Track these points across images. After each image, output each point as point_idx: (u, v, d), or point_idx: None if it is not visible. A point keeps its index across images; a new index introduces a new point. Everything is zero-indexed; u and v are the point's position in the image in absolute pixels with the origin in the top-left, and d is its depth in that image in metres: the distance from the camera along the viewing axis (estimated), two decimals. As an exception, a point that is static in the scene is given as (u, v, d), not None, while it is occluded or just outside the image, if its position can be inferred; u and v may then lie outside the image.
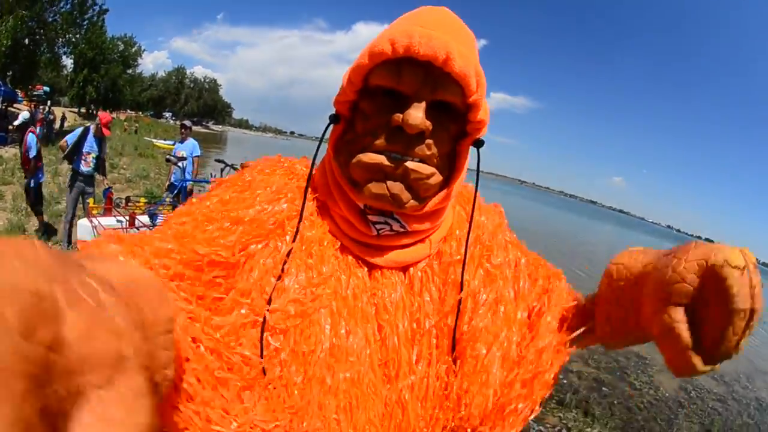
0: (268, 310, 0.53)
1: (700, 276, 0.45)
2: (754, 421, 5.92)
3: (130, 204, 5.22)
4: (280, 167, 0.67)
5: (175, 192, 5.80)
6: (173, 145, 5.97)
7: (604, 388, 5.40)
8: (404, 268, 0.62)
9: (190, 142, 6.22)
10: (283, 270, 0.55)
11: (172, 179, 6.05)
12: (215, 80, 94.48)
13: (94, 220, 4.54)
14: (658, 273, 0.49)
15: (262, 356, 0.51)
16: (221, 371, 0.48)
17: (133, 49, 49.69)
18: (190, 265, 0.52)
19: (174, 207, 5.44)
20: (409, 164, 0.53)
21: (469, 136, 0.58)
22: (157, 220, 4.94)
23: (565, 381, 5.29)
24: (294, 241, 0.57)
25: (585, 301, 0.67)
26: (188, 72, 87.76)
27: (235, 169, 5.63)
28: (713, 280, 0.44)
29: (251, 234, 0.57)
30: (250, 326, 0.52)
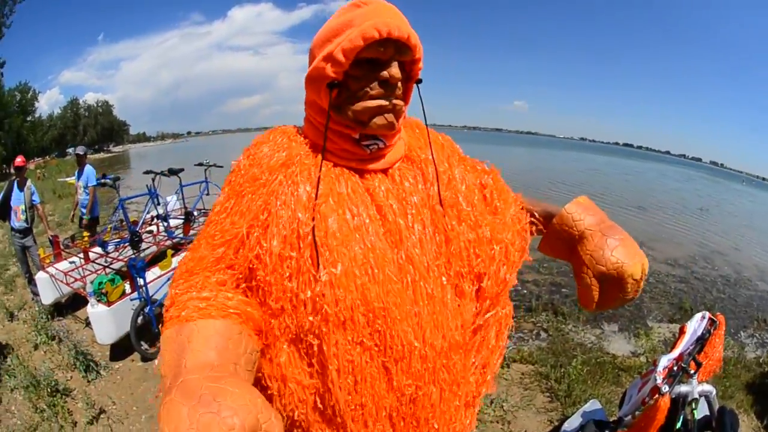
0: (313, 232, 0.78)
1: (614, 269, 0.84)
2: (726, 295, 6.41)
3: (77, 242, 5.09)
4: (274, 137, 0.94)
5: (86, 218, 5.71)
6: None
7: (563, 290, 5.81)
8: (384, 170, 0.91)
9: (86, 170, 5.81)
10: (316, 197, 0.81)
11: (81, 214, 5.82)
12: (107, 102, 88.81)
13: (50, 269, 4.39)
14: (594, 247, 0.87)
15: (318, 264, 0.76)
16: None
17: (29, 95, 46.07)
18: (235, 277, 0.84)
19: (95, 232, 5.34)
20: (395, 101, 0.84)
21: (412, 80, 0.88)
22: (109, 248, 4.86)
23: (525, 291, 5.66)
24: (320, 170, 0.84)
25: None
26: (81, 101, 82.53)
27: (165, 175, 5.59)
28: (618, 274, 0.84)
29: (261, 195, 0.84)
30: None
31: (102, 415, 3.05)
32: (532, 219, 1.00)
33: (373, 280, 0.77)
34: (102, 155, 63.72)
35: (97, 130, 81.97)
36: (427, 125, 1.01)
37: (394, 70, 0.80)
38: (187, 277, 0.82)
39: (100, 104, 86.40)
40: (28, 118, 46.27)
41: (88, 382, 3.43)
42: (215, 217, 0.86)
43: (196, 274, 0.82)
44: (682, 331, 1.97)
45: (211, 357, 0.65)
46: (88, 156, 5.96)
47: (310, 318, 0.76)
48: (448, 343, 0.84)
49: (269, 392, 0.80)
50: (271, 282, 0.79)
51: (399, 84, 0.83)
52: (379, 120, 0.83)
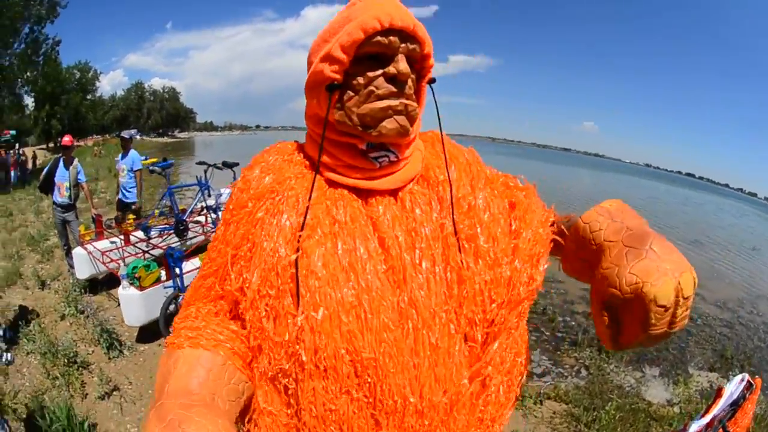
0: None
1: (632, 293, 0.61)
2: (765, 344, 6.07)
3: (121, 224, 5.18)
4: (267, 157, 0.85)
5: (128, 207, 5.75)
6: (146, 159, 5.76)
7: (613, 325, 5.57)
8: (393, 193, 0.79)
9: (131, 154, 5.78)
10: (301, 227, 0.72)
11: (120, 196, 5.86)
12: (174, 88, 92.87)
13: (88, 246, 4.51)
14: (609, 264, 0.66)
15: (298, 304, 0.68)
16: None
17: (90, 75, 48.56)
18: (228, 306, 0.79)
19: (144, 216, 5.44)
20: (407, 102, 0.73)
21: (423, 78, 0.79)
22: (152, 233, 4.94)
23: (573, 323, 5.41)
24: (309, 199, 0.74)
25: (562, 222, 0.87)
26: (146, 85, 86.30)
27: (218, 168, 5.62)
28: (640, 301, 0.60)
29: (245, 225, 0.77)
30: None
31: (115, 393, 3.09)
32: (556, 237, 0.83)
33: (364, 326, 0.67)
34: (166, 140, 66.55)
35: (162, 114, 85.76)
36: (442, 134, 0.88)
37: (402, 64, 0.71)
38: (186, 306, 0.83)
39: (166, 90, 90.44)
40: (88, 97, 48.66)
41: (109, 359, 3.50)
42: (213, 244, 0.82)
43: (192, 303, 0.82)
44: (719, 394, 1.83)
45: (191, 385, 0.67)
46: (145, 138, 6.09)
47: (285, 365, 0.69)
48: (449, 398, 0.71)
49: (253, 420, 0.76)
50: (248, 319, 0.74)
51: (410, 83, 0.73)
52: (388, 123, 0.72)
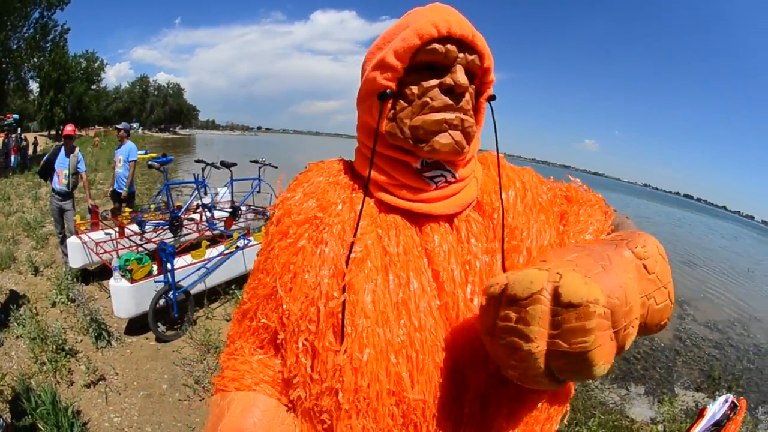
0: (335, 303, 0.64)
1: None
2: (755, 366, 6.05)
3: (117, 216, 5.22)
4: (310, 177, 0.79)
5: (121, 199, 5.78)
6: (146, 154, 5.81)
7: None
8: (449, 219, 0.73)
9: (127, 145, 5.85)
10: (347, 262, 0.65)
11: (114, 186, 5.90)
12: (178, 85, 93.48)
13: (83, 236, 4.54)
14: None
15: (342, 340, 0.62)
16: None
17: (96, 65, 48.76)
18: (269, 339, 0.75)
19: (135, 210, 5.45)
20: (463, 117, 0.68)
21: (482, 94, 0.73)
22: (146, 227, 4.98)
23: None
24: (355, 234, 0.67)
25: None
26: (151, 80, 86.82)
27: (216, 167, 5.66)
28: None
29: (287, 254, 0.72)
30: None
31: (101, 382, 3.09)
32: None
33: (415, 367, 0.62)
34: (168, 135, 66.56)
35: (165, 110, 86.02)
36: (498, 155, 0.81)
37: (460, 75, 0.66)
38: (231, 343, 0.80)
39: (171, 85, 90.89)
40: (93, 87, 48.81)
41: (97, 348, 3.50)
42: (253, 274, 0.78)
43: (236, 338, 0.79)
44: (701, 414, 1.82)
45: (245, 425, 0.68)
46: (130, 132, 6.06)
47: (321, 401, 0.64)
48: None
49: None
50: (287, 350, 0.69)
51: (467, 97, 0.68)
52: (442, 138, 0.66)
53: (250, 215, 6.06)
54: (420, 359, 0.62)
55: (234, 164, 5.87)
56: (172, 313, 3.78)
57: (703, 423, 1.78)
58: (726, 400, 1.81)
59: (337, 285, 0.64)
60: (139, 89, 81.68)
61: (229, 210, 5.75)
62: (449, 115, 0.66)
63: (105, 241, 4.51)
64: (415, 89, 0.67)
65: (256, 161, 6.38)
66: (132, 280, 3.56)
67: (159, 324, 3.72)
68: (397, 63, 0.67)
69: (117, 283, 3.54)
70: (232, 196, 6.12)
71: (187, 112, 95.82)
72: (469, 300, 0.66)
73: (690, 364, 5.52)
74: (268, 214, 5.57)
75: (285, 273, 0.70)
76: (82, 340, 3.60)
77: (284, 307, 0.69)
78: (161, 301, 3.67)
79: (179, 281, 3.80)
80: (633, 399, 4.29)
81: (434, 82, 0.67)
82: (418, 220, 0.72)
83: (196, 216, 5.78)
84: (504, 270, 0.69)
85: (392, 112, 0.70)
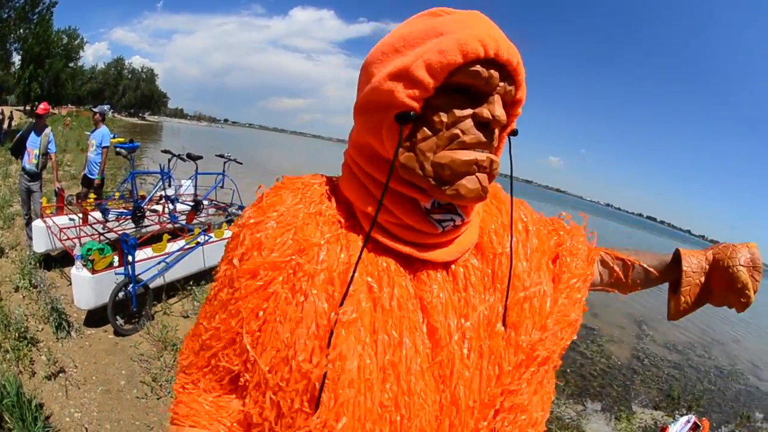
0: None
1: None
2: (716, 387, 6.19)
3: (82, 202, 5.12)
4: (285, 199, 0.65)
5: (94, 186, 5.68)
6: (114, 138, 5.66)
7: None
8: (446, 265, 0.64)
9: (101, 130, 5.64)
10: (331, 334, 0.55)
11: (86, 171, 5.75)
12: (152, 70, 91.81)
13: (48, 220, 4.42)
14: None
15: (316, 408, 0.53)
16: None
17: (76, 42, 47.68)
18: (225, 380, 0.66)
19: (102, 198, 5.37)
20: (492, 158, 0.58)
21: (506, 128, 0.63)
22: (109, 216, 4.89)
23: None
24: (345, 295, 0.56)
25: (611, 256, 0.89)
26: (127, 63, 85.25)
27: (183, 159, 5.60)
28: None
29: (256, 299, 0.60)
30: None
31: (61, 375, 3.01)
32: (618, 272, 0.88)
33: (399, 431, 0.55)
34: (136, 120, 65.43)
35: (136, 94, 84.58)
36: (512, 199, 0.71)
37: (498, 108, 0.55)
38: (186, 371, 0.69)
39: (145, 70, 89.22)
40: (71, 64, 47.71)
41: (57, 339, 3.40)
42: (211, 304, 0.66)
43: (192, 371, 0.68)
44: None
45: None
46: (106, 117, 5.94)
47: None
48: None
49: None
50: (250, 395, 0.59)
51: (497, 132, 0.58)
52: (469, 182, 0.56)
53: (211, 210, 6.00)
54: (404, 423, 0.55)
55: (200, 157, 5.79)
56: (131, 307, 3.69)
57: (664, 444, 1.82)
58: (688, 421, 1.85)
59: (318, 349, 0.54)
60: (114, 71, 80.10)
61: (192, 204, 5.67)
62: (481, 156, 0.56)
63: (69, 227, 4.40)
64: (444, 117, 0.55)
65: (221, 156, 6.30)
66: (93, 271, 3.45)
67: (118, 317, 3.63)
68: (430, 80, 0.54)
69: (79, 273, 3.43)
70: (196, 190, 6.05)
71: (158, 98, 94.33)
72: (466, 357, 0.59)
73: (648, 383, 5.63)
74: (229, 210, 5.55)
75: (252, 318, 0.59)
76: (42, 329, 3.49)
77: (251, 355, 0.59)
78: (120, 294, 3.57)
79: (139, 274, 3.70)
80: (589, 415, 4.36)
81: (468, 111, 0.56)
82: (414, 264, 0.63)
83: (159, 207, 5.67)
84: (504, 324, 0.62)
85: (411, 139, 0.57)
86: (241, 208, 5.65)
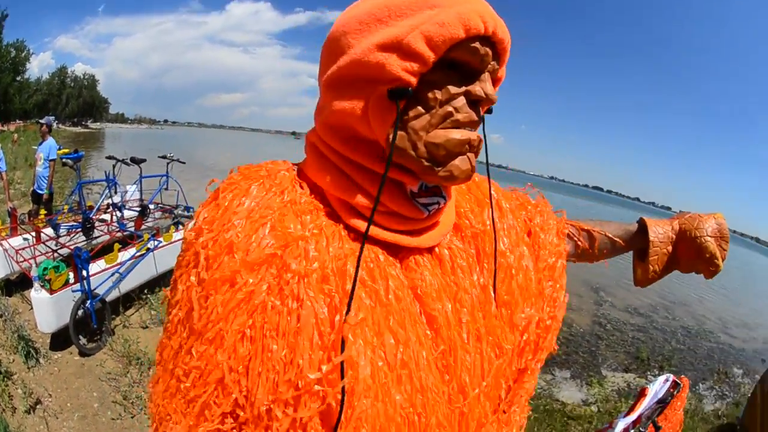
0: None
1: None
2: (685, 346, 6.39)
3: (33, 219, 4.94)
4: (251, 190, 0.56)
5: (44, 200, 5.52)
6: (60, 149, 5.49)
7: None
8: (430, 249, 0.61)
9: (48, 142, 5.54)
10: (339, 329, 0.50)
11: (35, 187, 5.60)
12: (93, 76, 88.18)
13: (3, 243, 4.21)
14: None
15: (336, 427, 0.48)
16: None
17: (23, 54, 45.38)
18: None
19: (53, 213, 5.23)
20: (480, 136, 0.56)
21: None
22: (60, 230, 4.74)
23: None
24: (351, 299, 0.49)
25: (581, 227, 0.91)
26: (69, 71, 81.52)
27: (127, 164, 5.49)
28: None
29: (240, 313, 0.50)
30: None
31: (38, 406, 2.93)
32: (579, 240, 0.89)
33: (417, 431, 0.52)
34: (80, 129, 63.06)
35: (79, 102, 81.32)
36: (489, 178, 0.69)
37: (490, 87, 0.53)
38: (160, 422, 0.55)
39: (86, 77, 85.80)
40: (17, 78, 45.53)
41: (28, 368, 3.29)
42: (173, 335, 0.54)
43: (169, 418, 0.54)
44: (642, 394, 1.93)
45: None
46: (52, 128, 5.73)
47: None
48: None
49: None
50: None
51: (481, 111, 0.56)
52: (461, 163, 0.54)
53: (158, 214, 5.90)
54: (422, 422, 0.52)
55: (143, 160, 5.69)
56: (91, 324, 3.58)
57: (647, 401, 1.88)
58: (666, 379, 1.92)
59: (327, 362, 0.48)
60: (57, 81, 76.52)
61: (138, 209, 5.56)
62: (473, 135, 0.54)
63: (24, 248, 4.20)
64: (438, 94, 0.51)
65: (164, 157, 6.20)
66: (51, 291, 3.32)
67: (80, 336, 3.52)
68: (431, 54, 0.49)
69: (38, 295, 3.30)
70: (141, 195, 5.93)
71: (99, 105, 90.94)
72: (466, 342, 0.58)
73: (614, 347, 5.78)
74: (175, 212, 5.49)
75: (239, 342, 0.49)
76: (13, 360, 3.36)
77: (243, 391, 0.49)
78: (80, 312, 3.46)
79: (95, 289, 3.59)
80: (560, 383, 4.48)
81: (462, 88, 0.53)
82: (400, 252, 0.59)
83: (107, 216, 5.52)
84: (496, 303, 0.63)
85: (401, 118, 0.52)
86: (188, 208, 5.60)
